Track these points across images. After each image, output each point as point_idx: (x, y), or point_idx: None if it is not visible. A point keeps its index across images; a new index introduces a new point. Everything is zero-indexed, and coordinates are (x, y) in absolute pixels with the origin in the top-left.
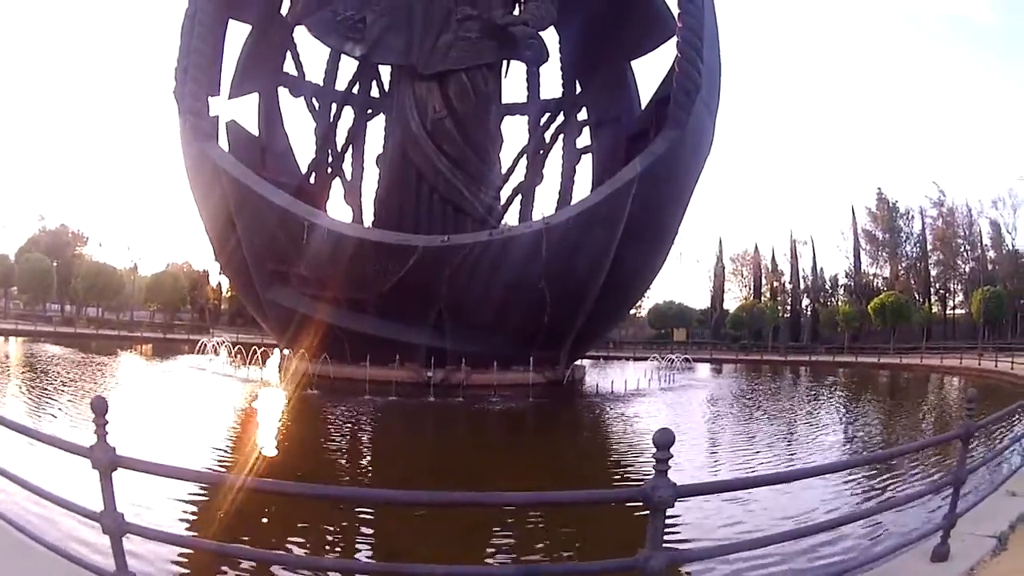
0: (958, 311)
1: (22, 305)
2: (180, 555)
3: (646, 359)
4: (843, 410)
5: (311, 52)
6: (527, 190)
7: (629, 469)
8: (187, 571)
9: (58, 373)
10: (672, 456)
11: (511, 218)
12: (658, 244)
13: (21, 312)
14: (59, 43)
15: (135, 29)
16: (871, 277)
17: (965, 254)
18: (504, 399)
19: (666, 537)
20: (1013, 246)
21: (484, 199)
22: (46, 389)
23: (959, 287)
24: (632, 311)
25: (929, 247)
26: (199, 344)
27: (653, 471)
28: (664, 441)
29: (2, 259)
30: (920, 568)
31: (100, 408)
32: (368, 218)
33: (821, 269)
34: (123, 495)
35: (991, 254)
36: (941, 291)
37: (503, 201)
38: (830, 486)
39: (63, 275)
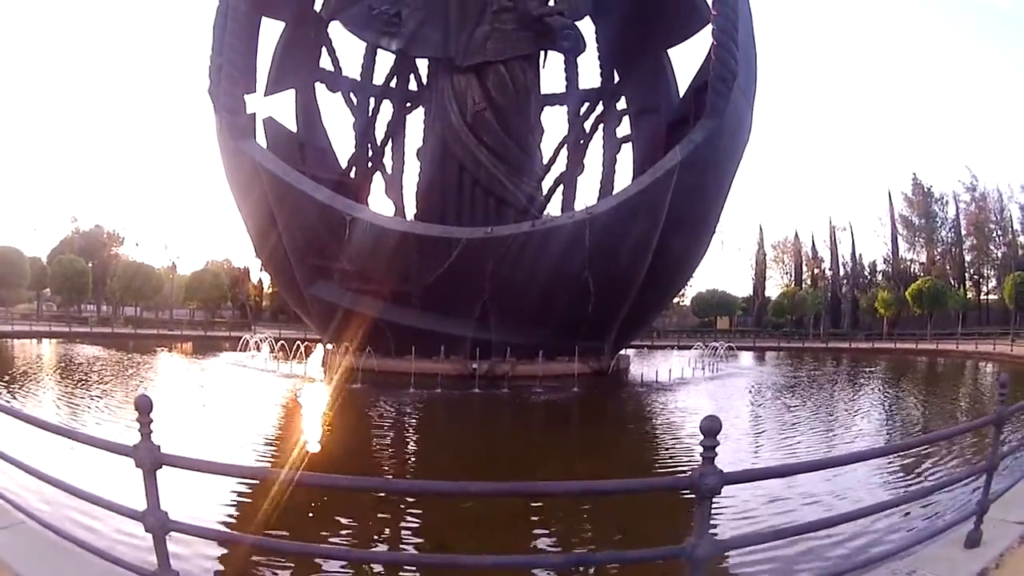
0: (991, 296)
1: (55, 307)
2: (224, 552)
3: (690, 347)
4: (881, 398)
5: (347, 47)
6: (569, 180)
7: (674, 458)
8: (232, 568)
9: (87, 374)
10: (719, 444)
11: (553, 209)
12: (700, 232)
13: (55, 314)
14: (92, 42)
15: (169, 26)
16: (908, 263)
17: (997, 239)
18: (549, 390)
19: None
20: None
21: (526, 189)
22: (74, 391)
23: (992, 272)
24: (676, 300)
25: (963, 232)
26: (241, 341)
27: (701, 459)
28: (711, 429)
29: (34, 261)
30: (953, 554)
31: (144, 406)
32: (410, 211)
33: (860, 255)
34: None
35: (1021, 239)
36: (976, 276)
37: (545, 192)
38: (869, 472)
39: (99, 276)
